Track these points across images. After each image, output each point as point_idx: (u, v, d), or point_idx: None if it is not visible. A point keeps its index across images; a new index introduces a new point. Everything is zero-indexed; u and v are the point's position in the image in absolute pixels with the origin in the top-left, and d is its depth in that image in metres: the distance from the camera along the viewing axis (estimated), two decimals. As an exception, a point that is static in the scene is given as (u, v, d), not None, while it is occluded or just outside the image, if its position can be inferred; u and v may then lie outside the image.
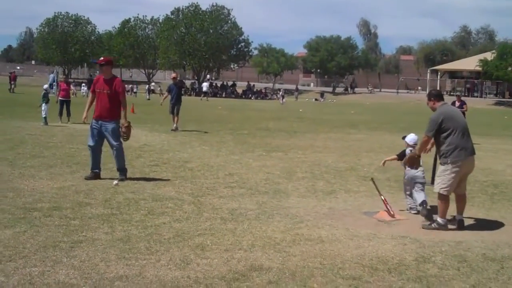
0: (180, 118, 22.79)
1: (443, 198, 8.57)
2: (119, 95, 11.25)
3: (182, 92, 23.15)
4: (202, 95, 65.45)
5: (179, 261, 6.39)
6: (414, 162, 9.05)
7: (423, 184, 9.66)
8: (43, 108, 22.37)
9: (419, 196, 9.50)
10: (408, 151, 9.93)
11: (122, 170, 11.42)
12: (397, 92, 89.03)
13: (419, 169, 9.55)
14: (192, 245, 7.03)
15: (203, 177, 12.07)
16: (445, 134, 8.52)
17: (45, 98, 22.66)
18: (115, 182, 10.77)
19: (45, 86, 25.11)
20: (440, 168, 8.65)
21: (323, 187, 11.60)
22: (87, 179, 11.04)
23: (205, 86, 70.14)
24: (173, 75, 25.11)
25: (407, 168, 9.65)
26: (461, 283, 6.07)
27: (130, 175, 11.73)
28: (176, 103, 22.46)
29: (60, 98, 24.53)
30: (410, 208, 9.68)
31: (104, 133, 11.20)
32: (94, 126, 11.26)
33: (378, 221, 8.87)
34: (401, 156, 10.06)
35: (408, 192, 9.79)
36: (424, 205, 9.34)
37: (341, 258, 6.78)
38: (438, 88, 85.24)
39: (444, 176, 8.50)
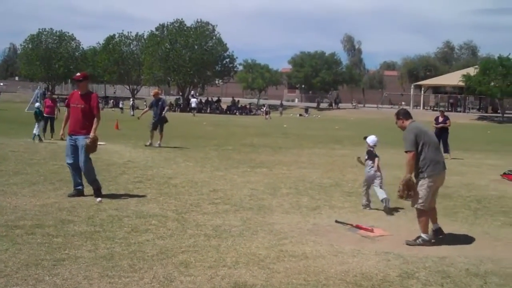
0: (164, 135, 22.65)
1: (422, 213, 8.62)
2: (93, 109, 11.19)
3: (165, 110, 22.80)
4: (193, 111, 66.38)
5: (162, 279, 6.36)
6: (410, 185, 8.62)
7: (380, 180, 11.29)
8: (36, 126, 22.37)
9: (380, 193, 11.02)
10: (368, 150, 11.62)
11: (92, 183, 11.31)
12: (377, 107, 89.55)
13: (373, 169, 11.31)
14: (175, 262, 7.00)
15: (187, 194, 12.04)
16: (419, 150, 8.58)
17: (38, 116, 22.67)
18: (99, 199, 10.71)
19: (37, 104, 24.95)
20: (418, 183, 8.66)
21: (307, 203, 11.60)
22: (70, 196, 10.98)
23: (193, 102, 70.63)
24: (155, 91, 24.73)
25: (367, 170, 11.40)
26: (445, 298, 6.09)
27: (114, 192, 11.72)
28: (158, 121, 22.23)
29: (45, 114, 24.41)
30: (365, 205, 11.21)
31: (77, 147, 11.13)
32: (69, 143, 11.19)
33: (362, 237, 8.88)
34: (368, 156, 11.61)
35: (364, 191, 11.32)
36: (386, 203, 10.84)
37: (325, 274, 6.78)
38: (421, 103, 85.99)
39: (420, 191, 8.54)
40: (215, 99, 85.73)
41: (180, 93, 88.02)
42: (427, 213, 8.67)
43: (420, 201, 8.54)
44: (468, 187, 14.29)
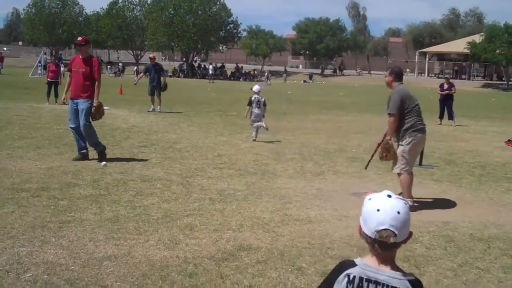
0: (167, 100, 22.56)
1: (405, 178, 8.64)
2: (94, 73, 11.16)
3: (164, 75, 22.70)
4: (210, 77, 66.24)
5: (168, 241, 6.41)
6: (388, 148, 8.67)
7: (261, 118, 15.05)
8: None
9: (263, 125, 15.01)
10: (253, 98, 14.98)
11: (96, 146, 11.33)
12: (370, 73, 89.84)
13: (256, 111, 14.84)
14: (180, 226, 7.05)
15: (192, 158, 12.06)
16: (403, 114, 8.57)
17: None
18: (104, 163, 10.74)
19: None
20: (399, 149, 8.65)
21: (311, 168, 11.62)
22: (75, 160, 11.00)
23: (211, 69, 70.52)
24: (151, 55, 24.56)
25: (254, 111, 14.93)
26: (448, 262, 6.12)
27: (118, 156, 11.76)
28: (156, 86, 22.15)
29: (48, 79, 24.37)
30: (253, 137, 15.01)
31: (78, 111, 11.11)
32: (72, 107, 11.17)
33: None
34: (249, 102, 15.14)
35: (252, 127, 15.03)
36: (263, 128, 15.08)
37: (330, 238, 6.82)
38: (426, 70, 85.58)
39: (403, 156, 8.54)
40: (219, 65, 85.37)
41: (184, 59, 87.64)
42: (410, 178, 8.68)
43: (402, 166, 8.57)
44: (472, 154, 14.29)
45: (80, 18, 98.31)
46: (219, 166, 11.25)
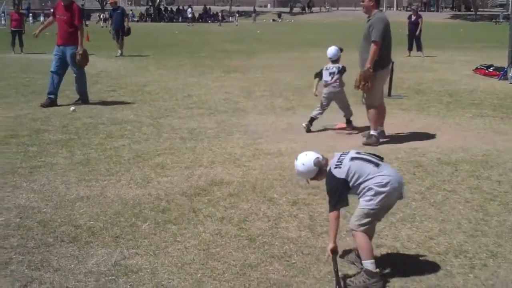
0: (134, 44, 22.30)
1: (373, 109, 8.39)
2: (75, 20, 11.23)
3: (128, 19, 22.52)
4: (188, 21, 66.28)
5: (140, 180, 6.43)
6: (368, 76, 8.16)
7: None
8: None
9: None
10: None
11: (81, 94, 11.55)
12: (338, 9, 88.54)
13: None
14: (152, 165, 7.07)
15: (162, 100, 12.01)
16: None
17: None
18: (72, 108, 10.66)
19: None
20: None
21: (281, 104, 11.65)
22: (43, 106, 10.93)
23: (189, 12, 69.95)
24: (111, 0, 24.14)
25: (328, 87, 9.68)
26: (417, 186, 6.23)
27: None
28: (120, 30, 21.94)
29: (12, 28, 23.91)
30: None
31: (66, 59, 11.25)
32: (56, 53, 11.33)
33: (336, 134, 8.99)
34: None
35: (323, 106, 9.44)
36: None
37: (300, 169, 6.88)
38: (395, 4, 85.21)
39: (373, 87, 8.23)
40: (186, 7, 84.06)
41: (150, 3, 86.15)
42: (377, 110, 8.52)
43: (375, 97, 8.40)
44: (441, 83, 14.39)
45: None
46: (189, 106, 11.22)
